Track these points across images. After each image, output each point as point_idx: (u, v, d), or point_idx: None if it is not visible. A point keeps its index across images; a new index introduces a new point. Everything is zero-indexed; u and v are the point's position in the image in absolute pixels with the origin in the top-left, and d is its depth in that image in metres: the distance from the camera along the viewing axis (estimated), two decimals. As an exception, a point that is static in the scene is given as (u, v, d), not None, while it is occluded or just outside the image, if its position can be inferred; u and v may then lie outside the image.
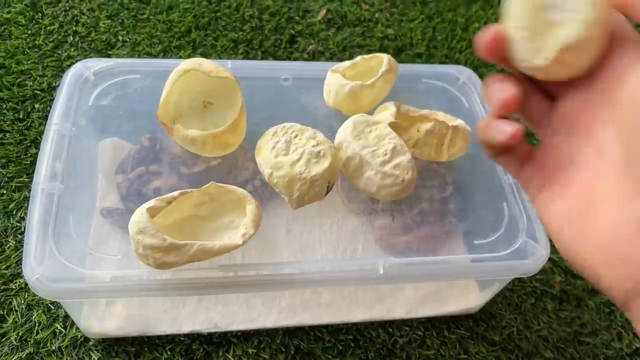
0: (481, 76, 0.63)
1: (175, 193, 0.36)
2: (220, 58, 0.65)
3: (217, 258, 0.35)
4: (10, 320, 0.43)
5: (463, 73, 0.52)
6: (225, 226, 0.38)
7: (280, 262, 0.39)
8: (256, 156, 0.40)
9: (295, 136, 0.40)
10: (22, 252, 0.38)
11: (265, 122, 0.42)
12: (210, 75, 0.41)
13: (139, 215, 0.34)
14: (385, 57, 0.46)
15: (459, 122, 0.44)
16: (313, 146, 0.38)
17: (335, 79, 0.45)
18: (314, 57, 0.68)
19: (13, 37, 0.62)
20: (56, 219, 0.36)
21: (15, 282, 0.45)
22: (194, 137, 0.39)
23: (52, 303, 0.44)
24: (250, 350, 0.44)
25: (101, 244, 0.39)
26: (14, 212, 0.49)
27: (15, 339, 0.42)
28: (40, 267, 0.34)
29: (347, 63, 0.47)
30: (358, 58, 0.47)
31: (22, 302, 0.44)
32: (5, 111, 0.56)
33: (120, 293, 0.36)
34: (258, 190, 0.42)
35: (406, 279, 0.41)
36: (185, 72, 0.41)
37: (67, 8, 0.67)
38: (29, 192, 0.50)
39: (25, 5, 0.66)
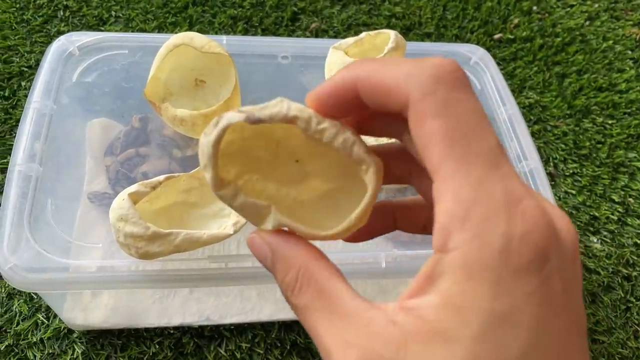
0: (495, 58, 0.60)
1: (161, 177, 0.33)
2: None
3: (209, 247, 0.33)
4: (-9, 310, 0.41)
5: (476, 53, 0.48)
6: (215, 214, 0.35)
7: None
8: (250, 139, 0.37)
9: (293, 117, 0.37)
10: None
11: (262, 103, 0.39)
12: (202, 51, 0.38)
13: (120, 201, 0.31)
14: (391, 34, 0.42)
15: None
16: (312, 128, 0.35)
17: (337, 57, 0.42)
18: (317, 35, 0.65)
19: (0, 10, 0.59)
20: (33, 203, 0.34)
21: (-3, 270, 0.42)
22: (183, 117, 0.36)
23: (35, 292, 0.42)
24: (243, 345, 0.42)
25: (87, 231, 0.36)
26: (-3, 196, 0.46)
27: (-5, 330, 0.40)
28: (14, 256, 0.31)
29: (350, 40, 0.44)
30: (363, 34, 0.44)
31: (3, 290, 0.41)
32: (-10, 89, 0.53)
33: (104, 285, 0.34)
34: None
35: (410, 272, 0.38)
36: (176, 47, 0.38)
37: (58, -19, 0.64)
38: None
39: (14, -23, 0.62)
